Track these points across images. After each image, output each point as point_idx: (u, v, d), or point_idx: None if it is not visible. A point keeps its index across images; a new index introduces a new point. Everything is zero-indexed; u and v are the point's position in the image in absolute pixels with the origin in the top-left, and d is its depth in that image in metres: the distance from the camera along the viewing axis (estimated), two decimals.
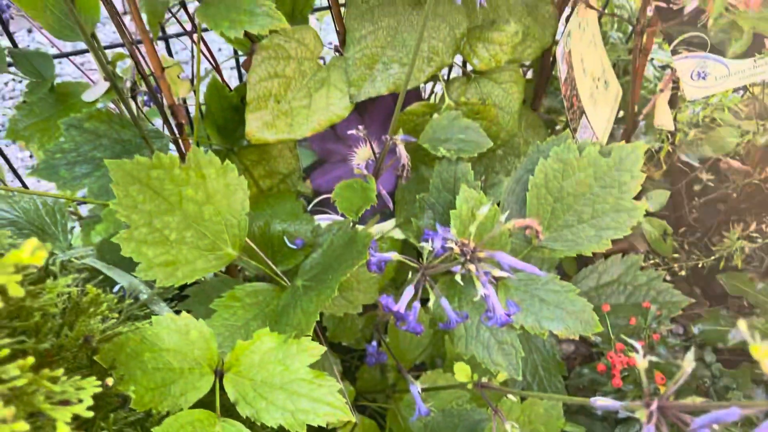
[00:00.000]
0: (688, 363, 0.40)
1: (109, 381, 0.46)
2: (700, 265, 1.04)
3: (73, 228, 0.91)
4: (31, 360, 0.30)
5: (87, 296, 0.40)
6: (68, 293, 0.41)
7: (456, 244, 0.50)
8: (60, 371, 0.32)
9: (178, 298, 0.73)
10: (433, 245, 0.60)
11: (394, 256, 0.59)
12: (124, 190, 0.60)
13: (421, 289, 0.58)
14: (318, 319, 0.59)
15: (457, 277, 0.50)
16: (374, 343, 0.80)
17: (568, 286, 0.64)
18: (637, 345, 0.39)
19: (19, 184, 1.04)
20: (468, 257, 0.50)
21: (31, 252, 0.28)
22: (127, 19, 0.76)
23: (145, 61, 0.72)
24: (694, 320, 1.12)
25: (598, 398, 0.43)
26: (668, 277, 1.14)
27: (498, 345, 0.64)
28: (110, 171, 0.59)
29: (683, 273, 1.04)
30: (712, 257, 1.02)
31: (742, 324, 0.35)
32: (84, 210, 1.27)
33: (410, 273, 0.62)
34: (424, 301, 0.60)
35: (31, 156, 1.70)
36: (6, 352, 0.30)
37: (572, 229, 0.63)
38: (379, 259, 0.61)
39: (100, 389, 0.34)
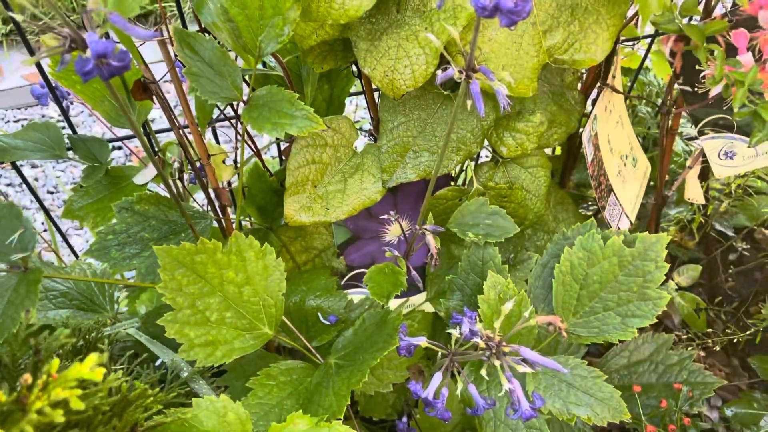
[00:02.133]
0: None
1: None
2: (735, 341, 1.03)
3: (119, 297, 0.96)
4: None
5: (135, 391, 0.43)
6: (118, 386, 0.44)
7: (481, 338, 0.52)
8: None
9: (217, 373, 0.76)
10: (461, 330, 0.62)
11: (423, 342, 0.61)
12: (170, 274, 0.64)
13: (450, 374, 0.60)
14: (349, 402, 0.61)
15: (483, 372, 0.52)
16: (404, 419, 0.81)
17: (596, 372, 0.65)
18: None
19: (66, 245, 1.10)
20: (493, 351, 0.52)
21: (91, 368, 0.32)
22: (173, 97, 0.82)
23: (192, 147, 0.77)
24: (733, 394, 1.10)
25: None
26: (702, 353, 1.12)
27: (526, 430, 0.65)
28: (158, 256, 0.64)
29: (717, 348, 1.03)
30: (748, 332, 1.00)
31: None
32: (129, 275, 1.32)
33: (438, 355, 0.64)
34: (453, 376, 0.61)
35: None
36: None
37: (598, 316, 0.64)
38: (408, 343, 0.63)
39: None
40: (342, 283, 0.89)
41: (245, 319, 0.68)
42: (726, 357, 1.23)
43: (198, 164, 0.78)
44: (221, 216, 0.78)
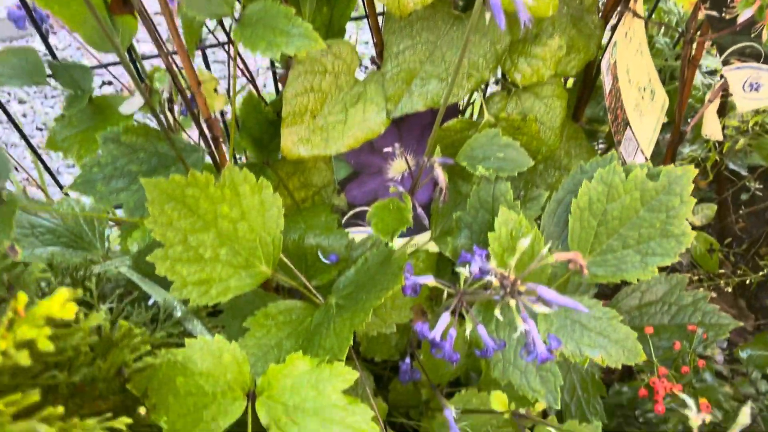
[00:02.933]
0: (745, 416, 0.38)
1: (142, 411, 0.46)
2: (747, 282, 1.00)
3: (110, 234, 0.92)
4: (61, 410, 0.29)
5: (120, 331, 0.40)
6: (101, 325, 0.40)
7: (495, 276, 0.48)
8: (94, 421, 0.32)
9: (212, 313, 0.73)
10: (470, 269, 0.58)
11: (430, 281, 0.57)
12: (159, 208, 0.60)
13: (458, 314, 0.57)
14: (351, 343, 0.58)
15: (497, 312, 0.48)
16: (408, 360, 0.79)
17: (611, 312, 0.61)
18: (690, 401, 0.37)
19: (55, 184, 1.06)
20: (508, 290, 0.48)
21: (62, 305, 0.28)
22: (164, 30, 0.76)
23: (182, 75, 0.72)
24: (740, 335, 1.08)
25: None
26: (712, 292, 1.10)
27: (536, 372, 0.62)
28: (145, 189, 0.59)
29: (728, 290, 1.00)
30: (761, 273, 0.97)
31: None
32: (121, 213, 1.28)
33: (445, 294, 0.60)
34: (460, 316, 0.58)
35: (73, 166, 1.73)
36: (37, 398, 0.30)
37: (616, 255, 0.60)
38: (414, 282, 0.59)
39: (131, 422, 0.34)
40: (343, 221, 0.84)
41: (241, 256, 0.64)
42: (733, 298, 1.21)
43: (188, 94, 0.73)
44: (214, 149, 0.73)
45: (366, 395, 0.72)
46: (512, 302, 0.47)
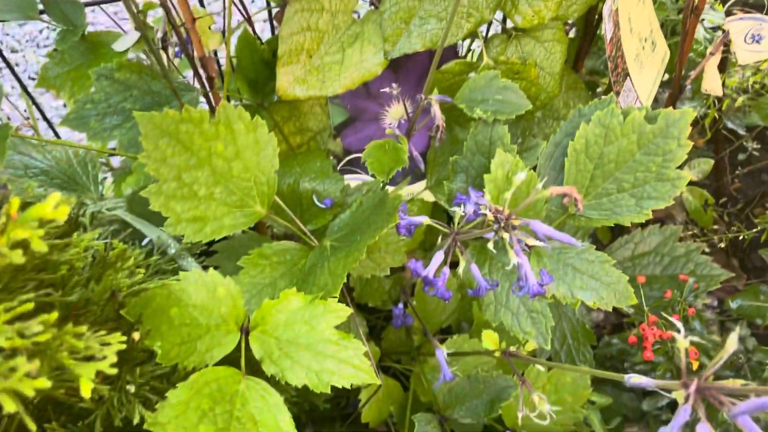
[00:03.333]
0: (732, 343, 0.38)
1: (136, 336, 0.46)
2: (740, 238, 1.01)
3: (104, 179, 0.91)
4: (55, 315, 0.30)
5: (114, 251, 0.40)
6: (95, 247, 0.40)
7: (490, 210, 0.48)
8: (84, 327, 0.32)
9: (207, 253, 0.73)
10: (465, 210, 0.58)
11: (425, 220, 0.57)
12: (153, 143, 0.59)
13: (451, 254, 0.57)
14: (345, 281, 0.58)
15: (490, 245, 0.49)
16: (401, 305, 0.79)
17: (603, 256, 0.62)
18: (678, 323, 0.37)
19: (52, 133, 1.05)
20: (502, 225, 0.48)
21: (55, 206, 0.27)
22: None
23: (176, 11, 0.70)
24: (731, 294, 1.09)
25: (632, 375, 0.41)
26: (706, 249, 1.10)
27: (527, 313, 0.63)
28: (139, 124, 0.59)
29: (722, 245, 1.00)
30: (754, 230, 0.98)
31: None
32: (116, 161, 1.28)
33: (440, 237, 0.60)
34: (453, 265, 0.59)
35: (64, 105, 1.71)
36: (31, 306, 0.30)
37: (611, 198, 0.60)
38: (408, 222, 0.60)
39: (125, 345, 0.34)
40: (338, 167, 0.84)
41: (235, 195, 0.64)
42: (726, 258, 1.22)
43: (183, 33, 0.71)
44: (209, 89, 0.72)
45: (359, 336, 0.72)
46: (506, 236, 0.47)
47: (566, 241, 0.47)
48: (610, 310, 0.61)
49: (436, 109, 0.60)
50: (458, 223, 0.58)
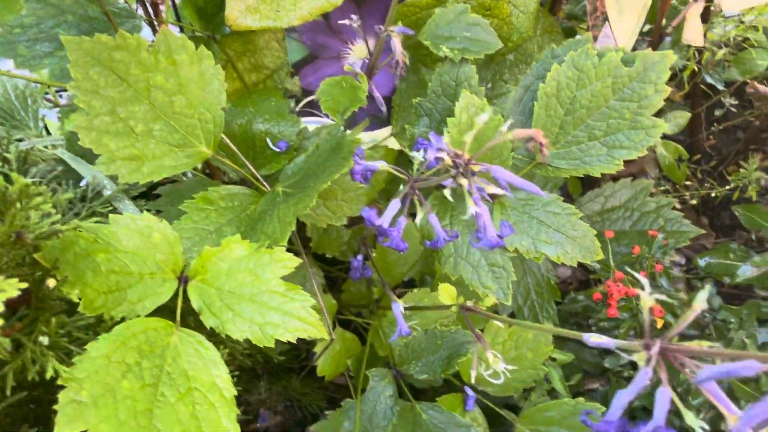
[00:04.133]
0: (699, 303, 0.35)
1: (51, 282, 0.41)
2: (712, 195, 0.98)
3: (44, 116, 0.85)
4: None
5: (14, 186, 0.35)
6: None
7: (448, 154, 0.44)
8: None
9: (151, 197, 0.68)
10: (426, 156, 0.54)
11: (381, 165, 0.53)
12: (84, 72, 0.53)
13: (410, 204, 0.53)
14: (294, 228, 0.54)
15: (446, 192, 0.45)
16: (359, 257, 0.76)
17: (571, 209, 0.58)
18: (644, 280, 0.34)
19: None
20: (460, 170, 0.44)
21: None
22: None
23: None
24: (699, 252, 1.07)
25: (592, 335, 0.38)
26: (677, 206, 1.08)
27: (488, 267, 0.60)
28: (67, 50, 0.53)
29: (694, 202, 0.98)
30: (727, 187, 0.95)
31: None
32: (65, 99, 1.20)
33: (401, 187, 0.56)
34: (414, 216, 0.55)
35: None
36: None
37: (581, 146, 0.56)
38: (364, 168, 0.55)
39: (18, 293, 0.29)
40: (297, 110, 0.79)
41: (178, 133, 0.58)
42: (696, 216, 1.20)
43: None
44: (153, 16, 0.66)
45: (313, 288, 0.69)
46: (464, 182, 0.43)
47: (529, 190, 0.43)
48: (575, 265, 0.58)
49: (396, 43, 0.55)
50: (417, 170, 0.54)
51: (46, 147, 0.72)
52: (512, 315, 0.80)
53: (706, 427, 0.31)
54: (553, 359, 0.79)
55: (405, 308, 0.65)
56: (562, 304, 0.92)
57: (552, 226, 0.58)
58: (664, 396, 0.34)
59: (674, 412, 0.35)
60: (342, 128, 0.67)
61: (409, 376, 0.72)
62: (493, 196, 0.60)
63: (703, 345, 0.36)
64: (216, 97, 0.59)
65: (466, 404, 0.73)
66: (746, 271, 0.73)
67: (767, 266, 0.71)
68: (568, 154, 0.57)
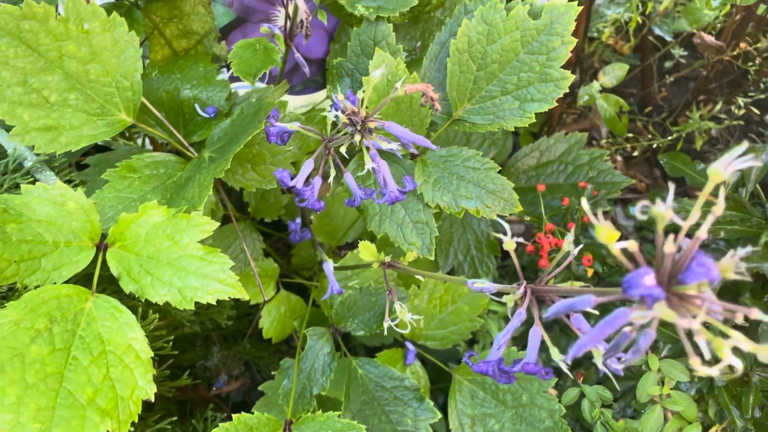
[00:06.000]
0: (567, 244, 0.36)
1: None
2: (655, 146, 1.00)
3: None
4: None
5: None
6: None
7: (343, 111, 0.45)
8: None
9: (79, 167, 0.68)
10: (335, 115, 0.54)
11: (293, 126, 0.53)
12: None
13: (323, 163, 0.54)
14: (210, 192, 0.55)
15: (342, 149, 0.45)
16: (298, 220, 0.77)
17: (489, 164, 0.59)
18: (506, 225, 0.35)
19: None
20: (357, 127, 0.45)
21: None
22: None
23: None
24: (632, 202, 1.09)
25: (476, 281, 0.39)
26: (620, 158, 1.10)
27: (412, 224, 0.61)
28: None
29: (636, 154, 0.99)
30: (669, 138, 0.97)
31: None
32: None
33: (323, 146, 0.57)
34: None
35: None
36: None
37: (495, 101, 0.57)
38: (280, 129, 0.55)
39: None
40: (229, 75, 0.78)
41: (95, 102, 0.58)
42: (649, 168, 1.22)
43: None
44: None
45: (247, 258, 0.70)
46: (357, 138, 0.44)
47: (422, 144, 0.44)
48: (495, 218, 0.59)
49: (300, 3, 0.55)
50: (331, 131, 0.55)
51: None
52: (453, 271, 0.82)
53: (569, 362, 0.33)
54: (495, 312, 0.81)
55: (336, 267, 0.66)
56: (509, 259, 0.93)
57: (471, 181, 0.59)
58: (536, 334, 0.36)
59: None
60: (271, 91, 0.67)
61: (357, 335, 0.73)
62: (413, 155, 0.61)
63: (576, 285, 0.37)
64: (132, 63, 0.59)
65: (406, 358, 0.75)
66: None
67: (685, 212, 0.72)
68: (483, 110, 0.58)
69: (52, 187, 0.51)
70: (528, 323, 0.37)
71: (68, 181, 0.63)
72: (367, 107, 0.46)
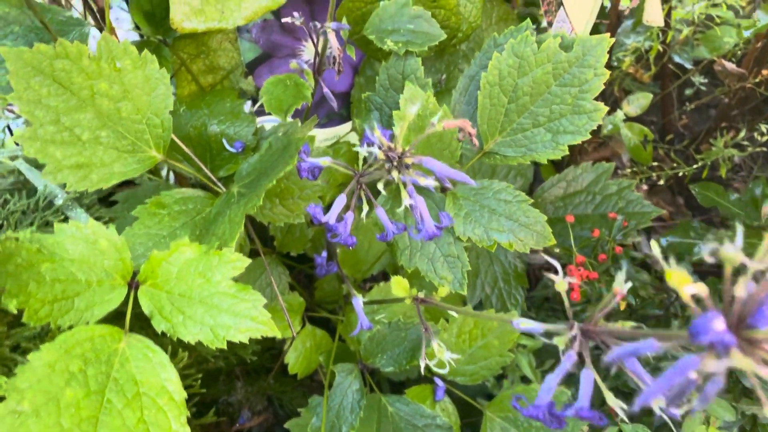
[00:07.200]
0: (620, 285, 0.35)
1: None
2: (680, 174, 0.98)
3: (5, 126, 0.84)
4: None
5: None
6: None
7: (380, 148, 0.44)
8: None
9: (107, 204, 0.68)
10: (369, 149, 0.54)
11: (325, 162, 0.53)
12: (24, 82, 0.54)
13: (356, 198, 0.53)
14: (241, 229, 0.54)
15: (380, 185, 0.45)
16: (324, 253, 0.76)
17: (521, 196, 0.59)
18: (554, 262, 0.34)
19: None
20: (394, 163, 0.44)
21: None
22: None
23: None
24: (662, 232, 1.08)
25: (522, 320, 0.38)
26: (645, 187, 1.09)
27: (443, 258, 0.60)
28: (6, 61, 0.53)
29: (661, 182, 0.98)
30: (694, 166, 0.95)
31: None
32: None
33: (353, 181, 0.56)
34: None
35: None
36: None
37: (527, 134, 0.57)
38: (311, 165, 0.55)
39: None
40: (254, 109, 0.79)
41: (126, 139, 0.59)
42: (672, 196, 1.20)
43: None
44: (102, 23, 0.66)
45: (274, 292, 0.69)
46: (395, 175, 0.43)
47: (460, 179, 0.43)
48: (528, 251, 0.58)
49: (332, 38, 0.55)
50: (363, 165, 0.54)
51: (10, 159, 0.72)
52: (480, 303, 0.81)
53: (625, 407, 0.32)
54: (524, 346, 0.79)
55: (365, 302, 0.65)
56: (536, 290, 0.92)
57: (503, 214, 0.58)
58: (588, 377, 0.35)
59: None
60: (299, 126, 0.67)
61: (386, 372, 0.72)
62: (444, 189, 0.60)
63: (626, 326, 0.36)
64: (163, 101, 0.59)
65: (435, 394, 0.73)
66: (704, 250, 0.72)
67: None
68: (514, 142, 0.57)
69: (84, 225, 0.51)
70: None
71: (98, 218, 0.63)
72: (400, 143, 0.46)
